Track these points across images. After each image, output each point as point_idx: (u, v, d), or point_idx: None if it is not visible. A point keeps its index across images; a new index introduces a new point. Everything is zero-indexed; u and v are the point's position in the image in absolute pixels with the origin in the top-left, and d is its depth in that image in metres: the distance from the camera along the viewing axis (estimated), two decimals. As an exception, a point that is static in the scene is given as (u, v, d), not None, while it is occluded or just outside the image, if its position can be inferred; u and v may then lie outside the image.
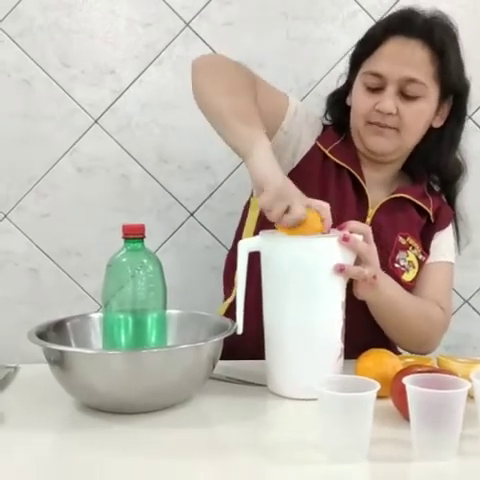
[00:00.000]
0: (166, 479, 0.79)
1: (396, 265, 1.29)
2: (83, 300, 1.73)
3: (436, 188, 1.42)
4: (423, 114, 1.28)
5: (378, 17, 1.63)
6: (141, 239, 1.04)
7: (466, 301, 1.74)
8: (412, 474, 0.82)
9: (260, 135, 1.08)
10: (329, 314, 1.03)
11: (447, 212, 1.39)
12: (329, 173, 1.31)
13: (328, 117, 1.42)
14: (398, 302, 1.20)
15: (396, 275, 1.27)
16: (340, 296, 1.05)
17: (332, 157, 1.32)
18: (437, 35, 1.24)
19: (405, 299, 1.22)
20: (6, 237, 1.71)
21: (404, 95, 1.25)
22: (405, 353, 1.32)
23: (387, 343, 1.27)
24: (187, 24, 1.64)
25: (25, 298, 1.73)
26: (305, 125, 1.32)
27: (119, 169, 1.70)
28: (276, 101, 1.30)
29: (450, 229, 1.40)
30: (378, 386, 0.82)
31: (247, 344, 1.12)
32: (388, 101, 1.24)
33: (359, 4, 1.65)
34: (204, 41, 1.65)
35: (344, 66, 1.38)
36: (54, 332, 1.06)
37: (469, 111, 1.63)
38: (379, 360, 1.04)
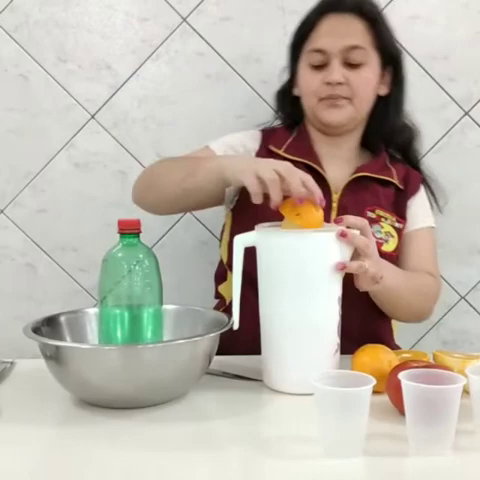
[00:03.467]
0: (162, 473, 0.80)
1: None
2: (79, 295, 1.72)
3: (399, 157, 1.46)
4: (369, 80, 1.33)
5: (375, 12, 1.63)
6: (137, 234, 1.04)
7: (462, 297, 1.74)
8: (408, 469, 0.82)
9: (211, 159, 1.22)
10: (325, 309, 1.03)
11: (415, 177, 1.42)
12: None
13: (280, 114, 1.47)
14: (399, 288, 1.23)
15: None
16: (336, 291, 1.04)
17: (287, 156, 1.34)
18: (366, 7, 1.31)
19: (405, 282, 1.25)
20: (3, 232, 1.71)
21: (349, 64, 1.30)
22: (402, 348, 1.33)
23: (384, 338, 1.28)
24: (184, 19, 1.64)
25: (22, 293, 1.73)
26: (241, 149, 1.38)
27: (116, 164, 1.70)
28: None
29: (423, 193, 1.43)
30: (374, 381, 0.83)
31: (243, 339, 1.12)
32: (335, 71, 1.29)
33: (356, -1, 1.64)
34: (201, 36, 1.64)
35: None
36: (50, 327, 1.06)
37: (466, 107, 1.66)
38: (375, 355, 1.04)
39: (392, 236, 1.33)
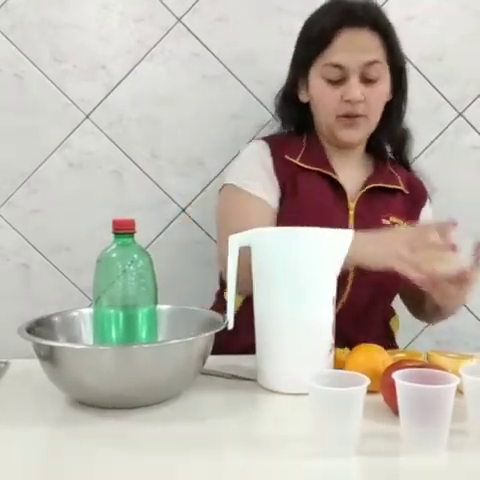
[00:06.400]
0: (157, 473, 0.79)
1: None
2: (74, 296, 1.72)
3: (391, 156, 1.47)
4: (384, 95, 1.34)
5: (370, 13, 1.63)
6: (131, 234, 1.04)
7: (457, 297, 1.74)
8: (401, 468, 0.82)
9: None
10: (320, 308, 1.03)
11: (419, 184, 1.44)
12: (305, 181, 1.33)
13: (284, 120, 1.44)
14: None
15: None
16: (331, 291, 1.05)
17: (304, 165, 1.35)
18: (380, 20, 1.31)
19: None
20: (-3, 232, 1.71)
21: (366, 80, 1.29)
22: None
23: (377, 339, 1.28)
24: (179, 19, 1.64)
25: (16, 293, 1.73)
26: (264, 172, 1.35)
27: (110, 164, 1.69)
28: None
29: (428, 204, 1.45)
30: (368, 381, 0.83)
31: (238, 339, 1.12)
32: (355, 89, 1.28)
33: None
34: (196, 36, 1.64)
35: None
36: (44, 327, 1.06)
37: (460, 108, 1.66)
38: (369, 355, 1.04)
39: None
